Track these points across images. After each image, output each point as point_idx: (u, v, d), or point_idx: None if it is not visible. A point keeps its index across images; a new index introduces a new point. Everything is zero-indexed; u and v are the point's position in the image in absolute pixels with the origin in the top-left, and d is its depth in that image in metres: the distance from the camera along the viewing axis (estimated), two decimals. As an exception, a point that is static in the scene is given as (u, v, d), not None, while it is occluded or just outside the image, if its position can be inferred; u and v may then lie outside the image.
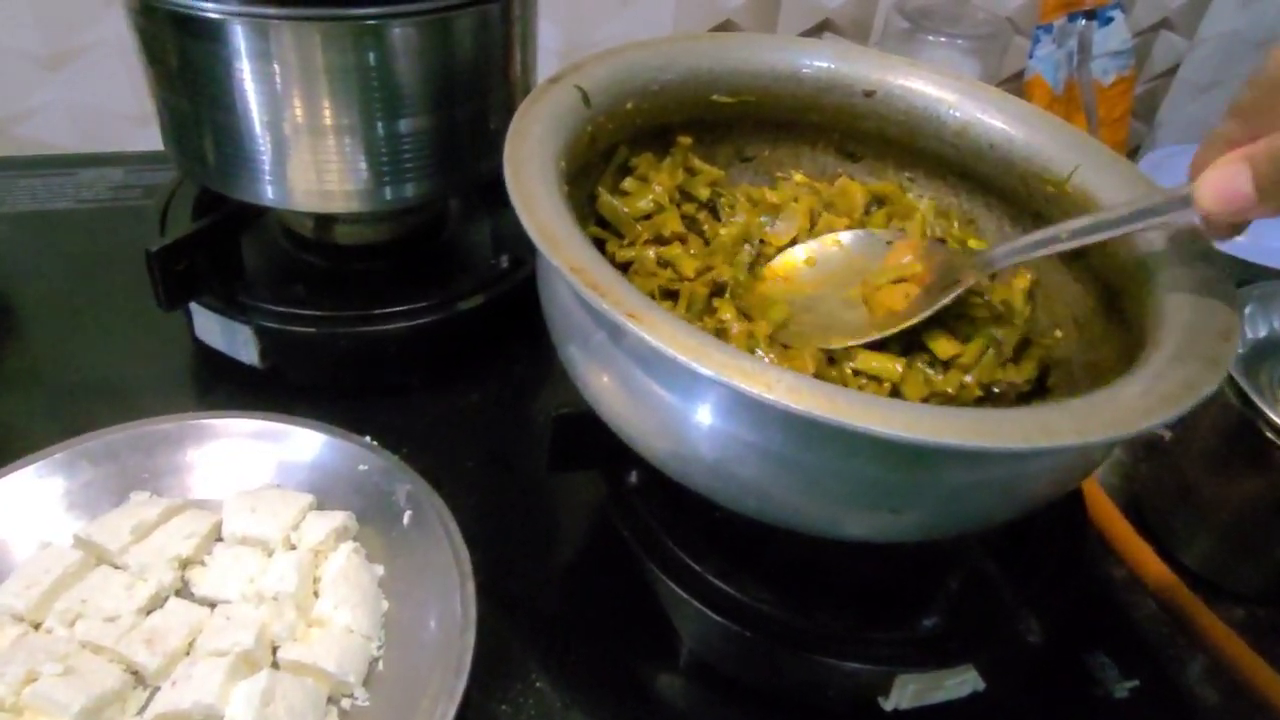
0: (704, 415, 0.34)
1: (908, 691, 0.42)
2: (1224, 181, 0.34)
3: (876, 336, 0.44)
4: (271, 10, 0.47)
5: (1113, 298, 0.45)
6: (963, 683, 0.43)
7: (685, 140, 0.52)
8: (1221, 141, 0.35)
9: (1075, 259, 0.47)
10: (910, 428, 0.29)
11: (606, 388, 0.38)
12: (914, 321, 0.44)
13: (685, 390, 0.34)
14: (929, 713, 0.43)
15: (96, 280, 0.67)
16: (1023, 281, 0.50)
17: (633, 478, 0.48)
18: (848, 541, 0.38)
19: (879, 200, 0.54)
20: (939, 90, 0.51)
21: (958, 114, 0.51)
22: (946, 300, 0.43)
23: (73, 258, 0.69)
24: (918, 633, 0.43)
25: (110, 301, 0.66)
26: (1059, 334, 0.48)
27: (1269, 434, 0.55)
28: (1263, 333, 0.62)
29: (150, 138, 0.87)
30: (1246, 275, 0.64)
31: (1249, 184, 0.33)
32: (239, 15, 0.48)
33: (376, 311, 0.57)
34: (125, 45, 0.84)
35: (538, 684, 0.46)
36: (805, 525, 0.38)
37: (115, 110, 0.87)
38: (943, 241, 0.51)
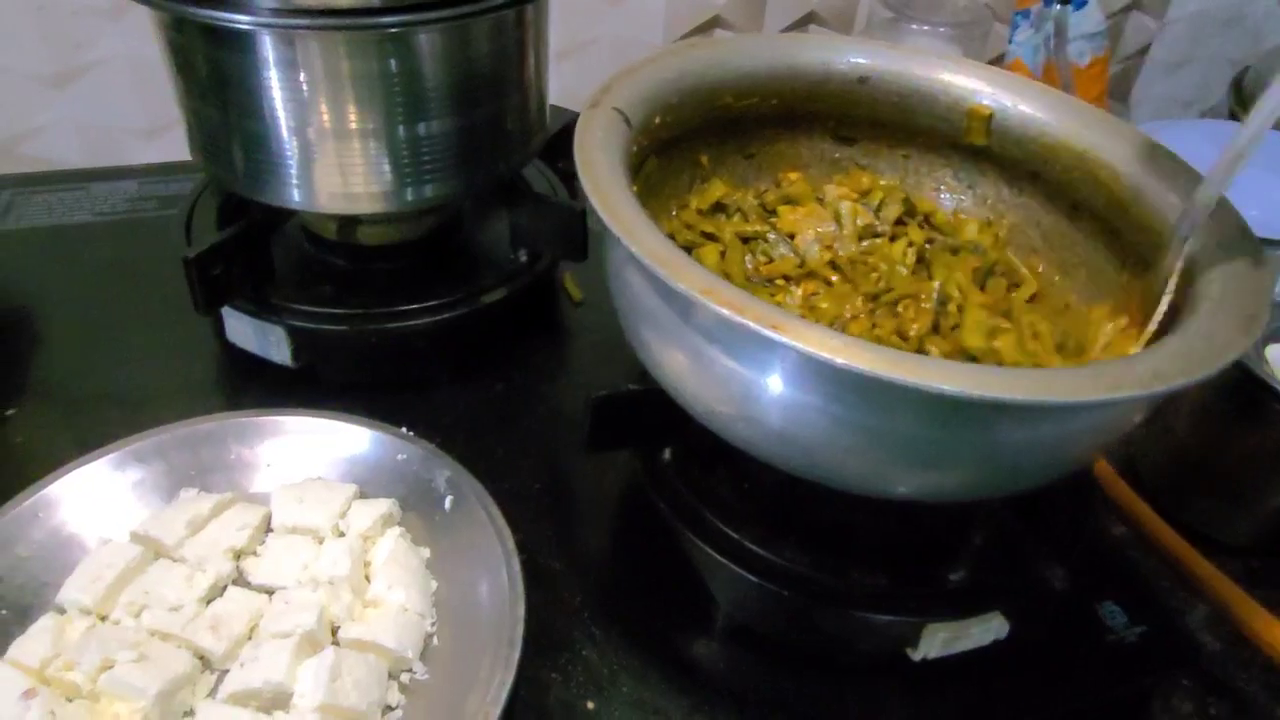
0: (775, 383, 0.36)
1: (936, 640, 0.44)
2: None
3: None
4: (299, 20, 0.49)
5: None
6: (987, 630, 0.45)
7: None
8: None
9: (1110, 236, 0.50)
10: (983, 386, 0.31)
11: (680, 364, 0.41)
12: None
13: (758, 360, 0.37)
14: (955, 661, 0.46)
15: (118, 291, 0.69)
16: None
17: (666, 454, 0.50)
18: (896, 501, 0.41)
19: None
20: (928, 70, 0.54)
21: (949, 91, 0.54)
22: None
23: (93, 270, 0.71)
24: (946, 585, 0.46)
25: (133, 311, 0.67)
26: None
27: (1258, 392, 0.58)
28: (1246, 296, 0.65)
29: (159, 150, 0.89)
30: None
31: None
32: (268, 26, 0.49)
33: (403, 308, 0.59)
34: (132, 61, 0.86)
35: (584, 652, 0.48)
36: (864, 486, 0.40)
37: (122, 125, 0.88)
38: None
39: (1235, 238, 0.42)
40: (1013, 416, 0.35)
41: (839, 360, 0.31)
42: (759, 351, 0.36)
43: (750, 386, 0.37)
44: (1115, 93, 1.23)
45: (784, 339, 0.32)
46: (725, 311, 0.33)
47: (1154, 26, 1.20)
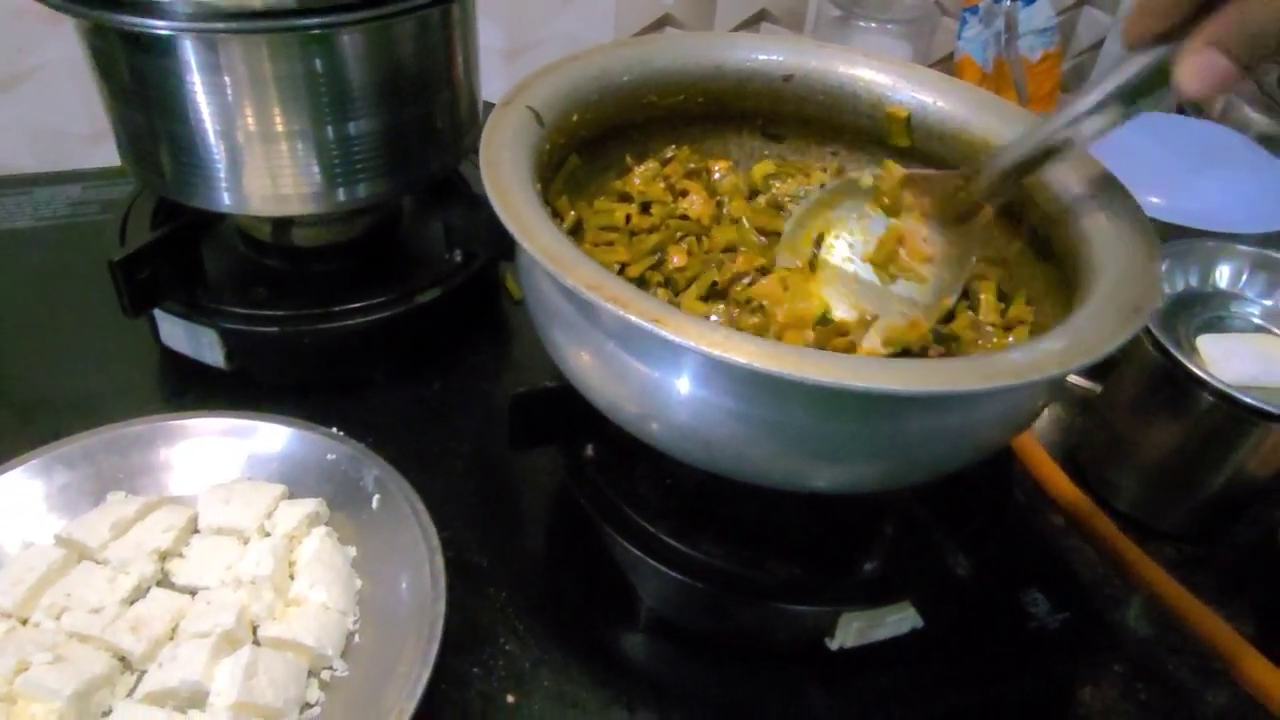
0: (668, 378, 0.37)
1: (851, 630, 0.45)
2: (1205, 67, 0.35)
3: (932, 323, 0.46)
4: (219, 24, 0.49)
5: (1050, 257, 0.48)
6: (902, 619, 0.46)
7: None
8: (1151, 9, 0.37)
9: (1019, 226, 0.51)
10: (857, 377, 0.32)
11: (584, 361, 0.41)
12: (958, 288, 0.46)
13: (651, 354, 0.37)
14: (874, 650, 0.47)
15: (59, 295, 0.69)
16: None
17: (589, 451, 0.50)
18: (806, 493, 0.41)
19: None
20: (851, 68, 0.54)
21: (871, 89, 0.54)
22: (974, 260, 0.46)
23: (34, 274, 0.71)
24: (859, 576, 0.46)
25: (74, 315, 0.67)
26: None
27: (1186, 382, 0.58)
28: (1179, 288, 0.66)
29: (105, 154, 0.88)
30: (1163, 235, 0.68)
31: (1227, 62, 0.34)
32: (188, 30, 0.49)
33: (337, 308, 0.60)
34: (75, 65, 0.85)
35: (506, 646, 0.48)
36: (772, 480, 0.40)
37: (68, 129, 0.88)
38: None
39: (1132, 229, 0.43)
40: (896, 407, 0.35)
41: (715, 353, 0.32)
42: (650, 346, 0.37)
43: (646, 381, 0.38)
44: (1070, 88, 1.24)
45: (664, 332, 0.32)
46: (610, 306, 0.33)
47: (1107, 21, 1.21)
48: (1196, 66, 0.35)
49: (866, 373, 0.32)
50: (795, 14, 1.07)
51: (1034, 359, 0.34)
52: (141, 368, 0.64)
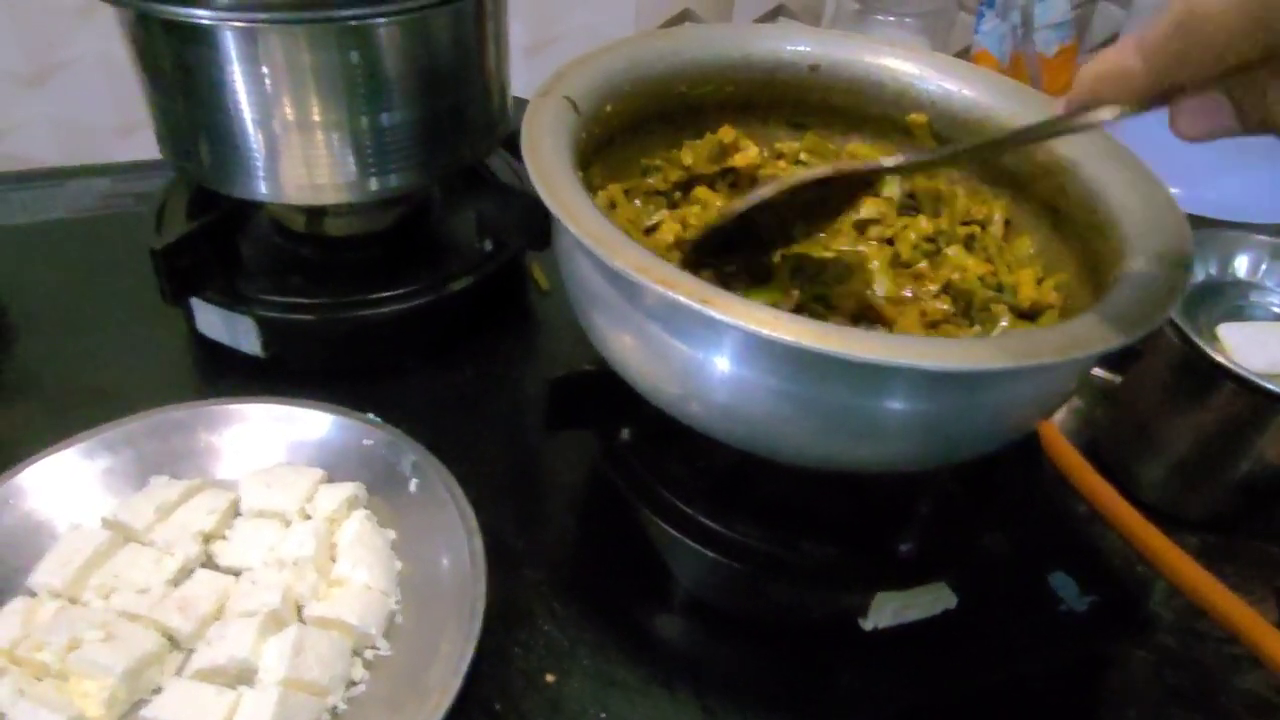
0: (712, 358, 0.38)
1: (886, 610, 0.46)
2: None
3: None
4: (259, 15, 0.50)
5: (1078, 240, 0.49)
6: (936, 600, 0.47)
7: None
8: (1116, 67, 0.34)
9: (1053, 214, 0.51)
10: (899, 354, 0.33)
11: (626, 343, 0.42)
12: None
13: (695, 335, 0.38)
14: (906, 631, 0.47)
15: (92, 286, 0.70)
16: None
17: (624, 434, 0.51)
18: (841, 474, 0.42)
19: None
20: (876, 58, 0.55)
21: (897, 77, 0.55)
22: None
23: (68, 265, 0.72)
24: (894, 556, 0.47)
25: (107, 305, 0.68)
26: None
27: (1208, 370, 0.59)
28: (1199, 278, 0.67)
29: (133, 148, 0.90)
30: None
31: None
32: (229, 21, 0.50)
33: (371, 296, 0.61)
34: (103, 60, 0.87)
35: (544, 627, 0.49)
36: (811, 459, 0.41)
37: (96, 123, 0.89)
38: None
39: (1164, 215, 0.43)
40: (935, 384, 0.36)
41: (764, 332, 0.32)
42: (695, 327, 0.37)
43: (690, 362, 0.38)
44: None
45: (714, 313, 0.33)
46: (658, 287, 0.34)
47: (1122, 16, 1.21)
48: None
49: (908, 350, 0.33)
50: (812, 8, 1.07)
51: (1070, 338, 0.35)
52: (176, 357, 0.65)
